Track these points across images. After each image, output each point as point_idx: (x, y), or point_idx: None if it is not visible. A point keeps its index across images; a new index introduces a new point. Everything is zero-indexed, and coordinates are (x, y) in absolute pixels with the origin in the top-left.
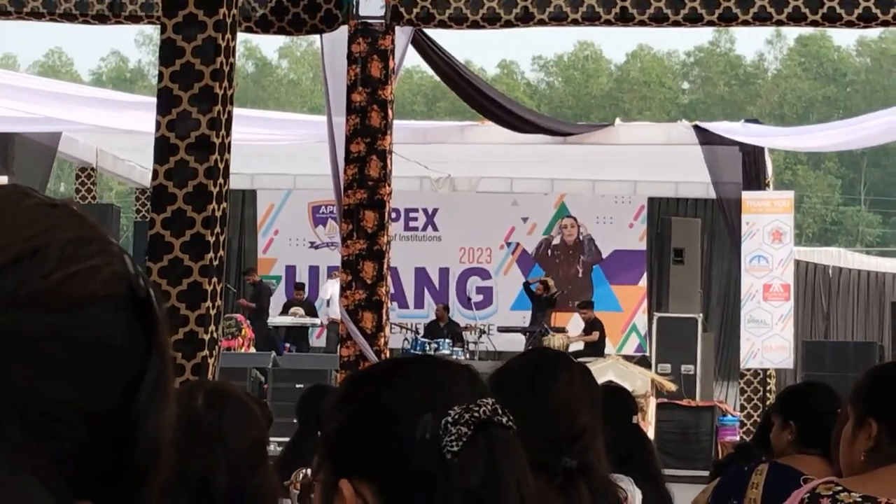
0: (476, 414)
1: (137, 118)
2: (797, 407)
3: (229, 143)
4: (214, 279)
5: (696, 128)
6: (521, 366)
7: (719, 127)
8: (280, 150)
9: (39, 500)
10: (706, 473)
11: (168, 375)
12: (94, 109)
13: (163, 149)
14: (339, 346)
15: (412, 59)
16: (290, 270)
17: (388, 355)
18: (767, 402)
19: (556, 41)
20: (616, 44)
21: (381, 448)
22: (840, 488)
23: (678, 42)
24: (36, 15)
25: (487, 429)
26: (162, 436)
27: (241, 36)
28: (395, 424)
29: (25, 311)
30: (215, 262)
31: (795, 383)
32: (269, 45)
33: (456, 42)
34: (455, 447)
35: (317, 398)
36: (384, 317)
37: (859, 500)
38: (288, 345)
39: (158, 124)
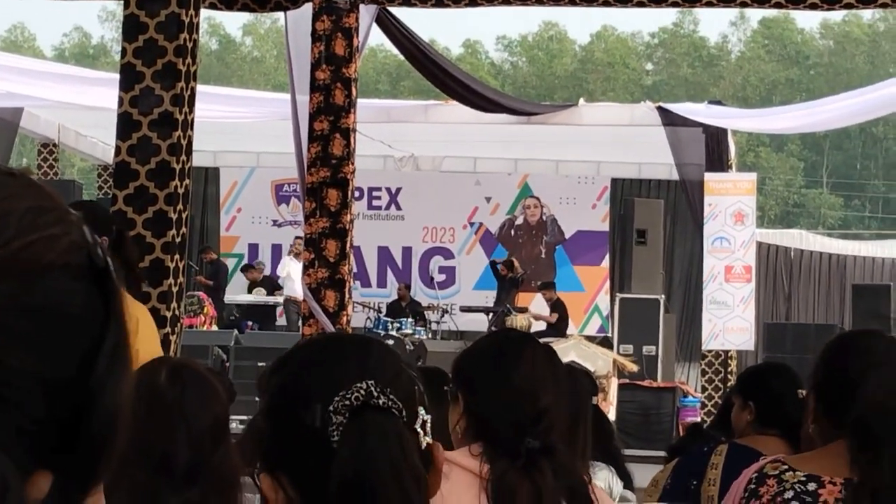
0: (347, 401)
1: (100, 94)
2: (756, 387)
3: (192, 120)
4: (177, 256)
5: (660, 109)
6: (485, 347)
7: (682, 108)
8: (243, 127)
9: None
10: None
11: (126, 345)
12: (56, 85)
13: (125, 125)
14: (300, 325)
15: (376, 38)
16: (253, 249)
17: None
18: (728, 384)
19: (521, 21)
20: (580, 24)
21: (284, 440)
22: (786, 467)
23: (642, 23)
24: None
25: (361, 414)
26: (120, 406)
27: (205, 13)
28: (291, 415)
29: None
30: (177, 239)
31: (756, 364)
32: (233, 22)
33: (420, 21)
34: (335, 435)
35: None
36: (346, 295)
37: (803, 478)
38: (251, 323)
39: (121, 100)
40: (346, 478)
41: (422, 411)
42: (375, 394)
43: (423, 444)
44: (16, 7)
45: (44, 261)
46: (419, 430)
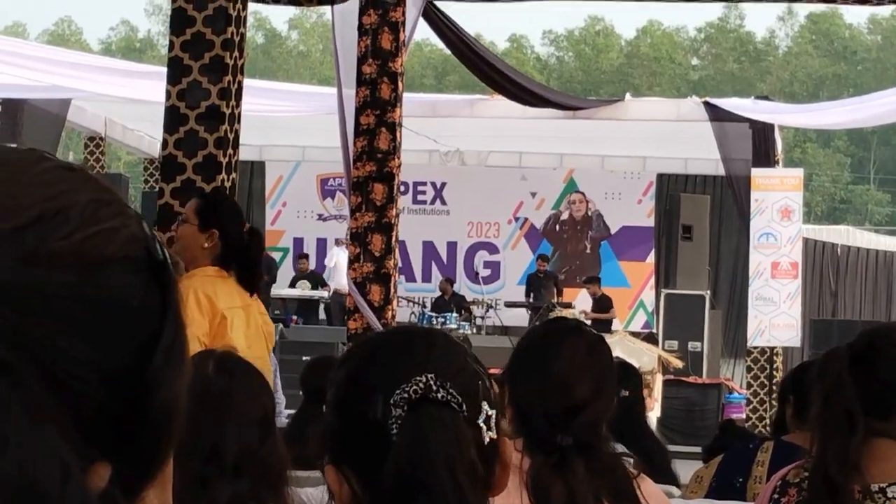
0: (406, 394)
1: (147, 87)
2: (795, 382)
3: (239, 114)
4: None
5: (706, 104)
6: (531, 336)
7: (729, 103)
8: (289, 121)
9: (62, 453)
10: None
11: (183, 340)
12: (102, 78)
13: (173, 118)
14: (346, 319)
15: (422, 33)
16: (298, 243)
17: None
18: (774, 381)
19: (567, 16)
20: (626, 19)
21: (348, 432)
22: (808, 474)
23: (688, 18)
24: None
25: (419, 407)
26: (176, 399)
27: (251, 7)
28: (355, 407)
29: (47, 270)
30: None
31: (804, 361)
32: (279, 16)
33: (467, 16)
34: (394, 429)
35: (321, 370)
36: (392, 290)
37: None
38: (295, 317)
39: (168, 94)
40: (400, 471)
41: (486, 406)
42: (435, 387)
43: (487, 440)
44: (63, 1)
45: (105, 253)
46: (482, 424)
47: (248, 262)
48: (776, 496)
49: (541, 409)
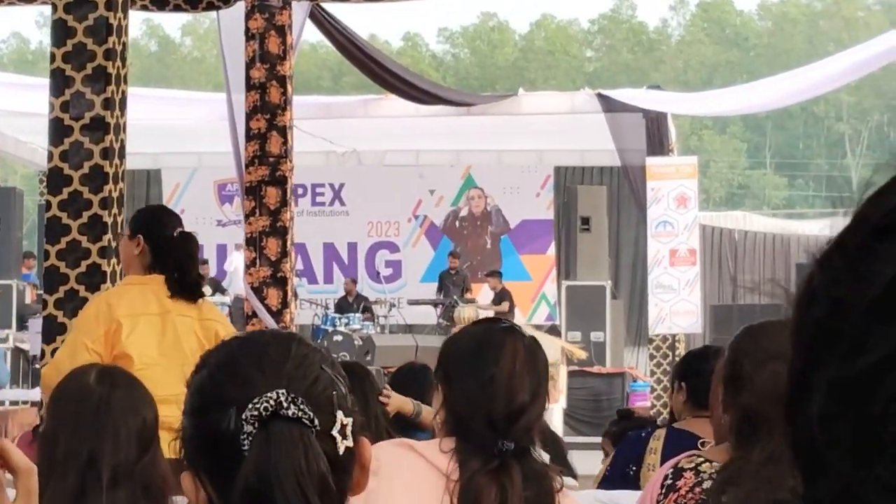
0: (257, 410)
1: (38, 99)
2: (688, 369)
3: (125, 124)
4: (113, 261)
5: (599, 96)
6: (467, 337)
7: (622, 94)
8: (183, 129)
9: None
10: None
11: None
12: None
13: (57, 130)
14: (244, 323)
15: (317, 34)
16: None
17: (296, 331)
18: None
19: (461, 13)
20: (520, 14)
21: (203, 440)
22: (702, 459)
23: (581, 10)
24: None
25: (270, 424)
26: None
27: (143, 14)
28: (208, 416)
29: None
30: (113, 244)
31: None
32: (173, 23)
33: (360, 15)
34: (245, 444)
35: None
36: (289, 293)
37: (720, 469)
38: None
39: (52, 105)
40: (249, 486)
41: (340, 415)
42: (286, 404)
43: (343, 449)
44: None
45: None
46: (336, 435)
47: (174, 265)
48: (669, 482)
49: (482, 413)
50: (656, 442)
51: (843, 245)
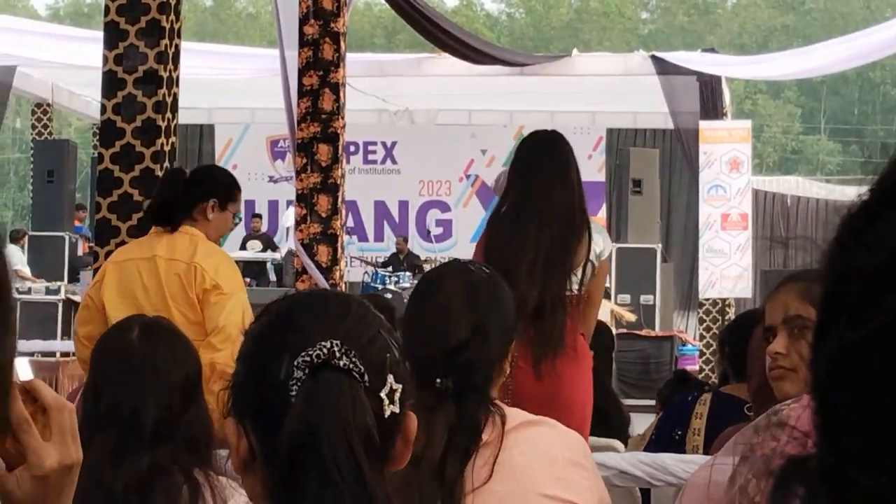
0: (309, 357)
1: (93, 53)
2: (732, 334)
3: (178, 77)
4: None
5: (653, 58)
6: (418, 283)
7: (676, 56)
8: (237, 84)
9: None
10: None
11: (5, 308)
12: (48, 44)
13: (110, 83)
14: (295, 280)
15: None
16: (250, 205)
17: (344, 289)
18: None
19: None
20: None
21: (252, 387)
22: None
23: None
24: None
25: (320, 372)
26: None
27: None
28: (261, 363)
29: None
30: None
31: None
32: None
33: None
34: (294, 390)
35: None
36: (339, 250)
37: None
38: (248, 279)
39: (105, 58)
40: (294, 432)
41: (391, 379)
42: (338, 354)
43: (388, 413)
44: None
45: None
46: (384, 397)
47: (164, 199)
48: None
49: (418, 351)
50: (702, 406)
51: (857, 211)
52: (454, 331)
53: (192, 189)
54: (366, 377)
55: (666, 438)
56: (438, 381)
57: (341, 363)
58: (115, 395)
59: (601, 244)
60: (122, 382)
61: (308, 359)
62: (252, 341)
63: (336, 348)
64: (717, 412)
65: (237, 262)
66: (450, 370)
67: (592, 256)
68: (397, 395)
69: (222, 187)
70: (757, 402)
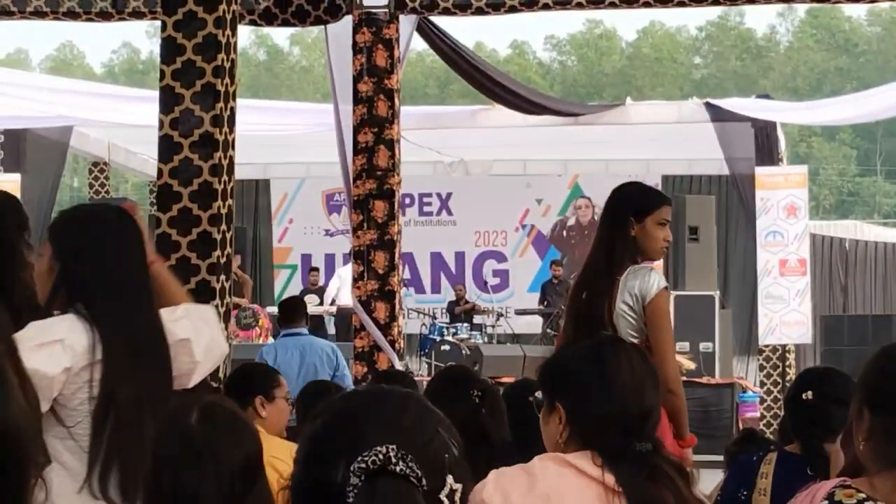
0: (365, 463)
1: (148, 112)
2: (792, 394)
3: (233, 140)
4: (222, 276)
5: (707, 105)
6: (581, 354)
7: (730, 103)
8: (292, 139)
9: None
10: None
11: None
12: (104, 104)
13: (167, 147)
14: (353, 336)
15: (424, 43)
16: (306, 259)
17: (402, 345)
18: (787, 378)
19: (568, 20)
20: (627, 21)
21: (311, 488)
22: (864, 496)
23: (689, 17)
24: (39, 14)
25: (377, 478)
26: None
27: (252, 25)
28: (319, 465)
29: None
30: (222, 260)
31: (809, 368)
32: (281, 32)
33: (467, 24)
34: (351, 497)
35: (313, 396)
36: (397, 306)
37: None
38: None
39: (161, 123)
40: None
41: (450, 480)
42: (394, 459)
43: None
44: (64, 26)
45: None
46: (444, 499)
47: None
48: None
49: (617, 420)
50: (767, 466)
51: None
52: (646, 395)
53: (236, 395)
54: (423, 481)
55: (732, 499)
56: (639, 445)
57: (398, 468)
58: (175, 480)
59: (636, 284)
60: (182, 468)
61: (364, 465)
62: (309, 444)
63: (392, 453)
64: (783, 472)
65: None
66: (641, 434)
67: (629, 300)
68: (457, 495)
69: (261, 381)
70: (852, 467)
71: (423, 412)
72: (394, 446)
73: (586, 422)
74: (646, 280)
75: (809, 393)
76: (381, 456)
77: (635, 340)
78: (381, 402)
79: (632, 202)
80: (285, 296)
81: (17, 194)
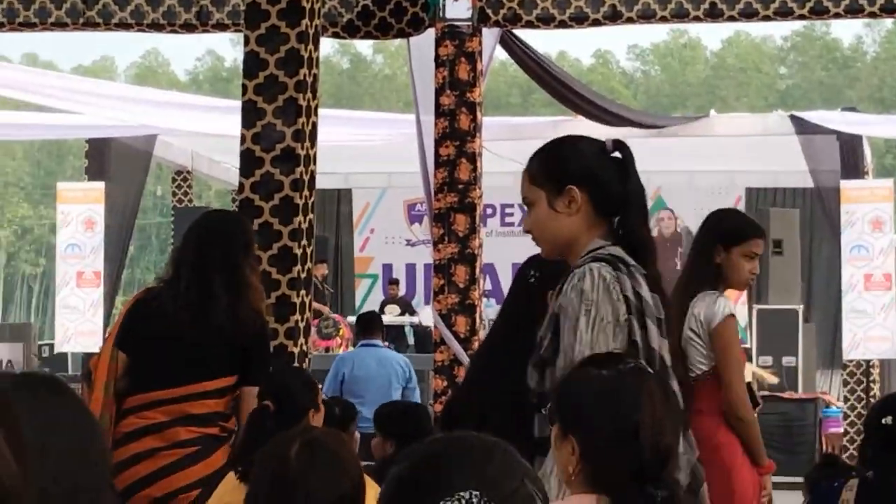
0: None
1: (230, 122)
2: (871, 419)
3: (314, 155)
4: (302, 291)
5: (792, 117)
6: (597, 383)
7: (816, 116)
8: (374, 148)
9: None
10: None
11: None
12: (187, 114)
13: (248, 162)
14: (433, 349)
15: (507, 53)
16: (387, 269)
17: None
18: (871, 393)
19: (652, 30)
20: (712, 30)
21: None
22: None
23: (774, 27)
24: (124, 26)
25: None
26: None
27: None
28: None
29: None
30: (303, 275)
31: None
32: (364, 41)
33: (550, 34)
34: None
35: (397, 416)
36: (478, 320)
37: None
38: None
39: (243, 137)
40: None
41: None
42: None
43: None
44: (149, 35)
45: None
46: None
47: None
48: None
49: (629, 463)
50: (848, 493)
51: None
52: (664, 437)
53: (279, 420)
54: None
55: None
56: (656, 493)
57: None
58: None
59: (702, 311)
60: (276, 498)
61: None
62: (394, 485)
63: (475, 499)
64: (864, 499)
65: None
66: (658, 478)
67: (695, 326)
68: None
69: (302, 397)
70: None
71: (510, 461)
72: (477, 492)
73: (596, 460)
74: (712, 306)
75: (889, 418)
76: (464, 501)
77: (704, 368)
78: (467, 448)
79: (722, 229)
80: (366, 305)
81: (101, 202)
